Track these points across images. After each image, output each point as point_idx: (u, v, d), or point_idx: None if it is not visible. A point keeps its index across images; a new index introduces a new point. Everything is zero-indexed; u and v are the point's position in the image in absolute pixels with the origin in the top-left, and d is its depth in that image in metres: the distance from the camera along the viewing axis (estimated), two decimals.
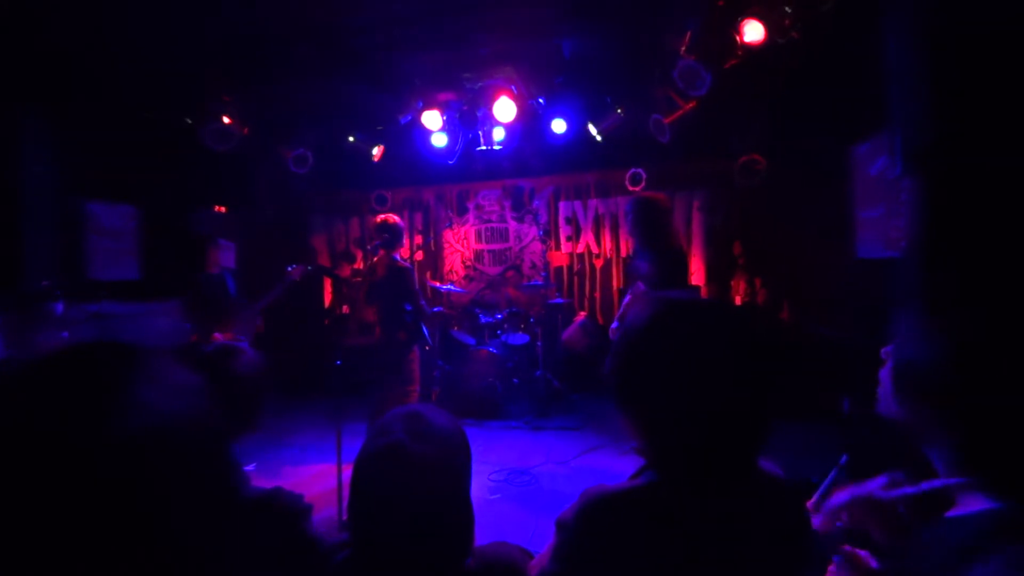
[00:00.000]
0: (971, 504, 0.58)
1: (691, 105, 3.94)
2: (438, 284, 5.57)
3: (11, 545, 0.36)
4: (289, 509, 1.01)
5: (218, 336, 3.47)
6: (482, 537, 0.96)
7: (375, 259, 3.59)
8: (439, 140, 4.93)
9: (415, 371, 3.62)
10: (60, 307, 2.18)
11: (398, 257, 3.53)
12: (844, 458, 2.51)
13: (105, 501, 0.38)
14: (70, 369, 0.43)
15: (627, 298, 3.36)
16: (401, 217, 6.20)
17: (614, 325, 3.30)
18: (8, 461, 0.37)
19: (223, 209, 5.48)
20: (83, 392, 0.41)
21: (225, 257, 4.32)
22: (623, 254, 5.68)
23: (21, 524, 0.36)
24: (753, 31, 3.27)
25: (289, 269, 3.77)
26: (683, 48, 3.54)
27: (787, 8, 3.24)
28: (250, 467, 3.33)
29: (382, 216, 3.62)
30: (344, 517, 2.61)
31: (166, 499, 0.41)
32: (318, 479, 3.41)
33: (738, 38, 3.31)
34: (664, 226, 3.13)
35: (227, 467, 0.47)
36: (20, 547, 0.36)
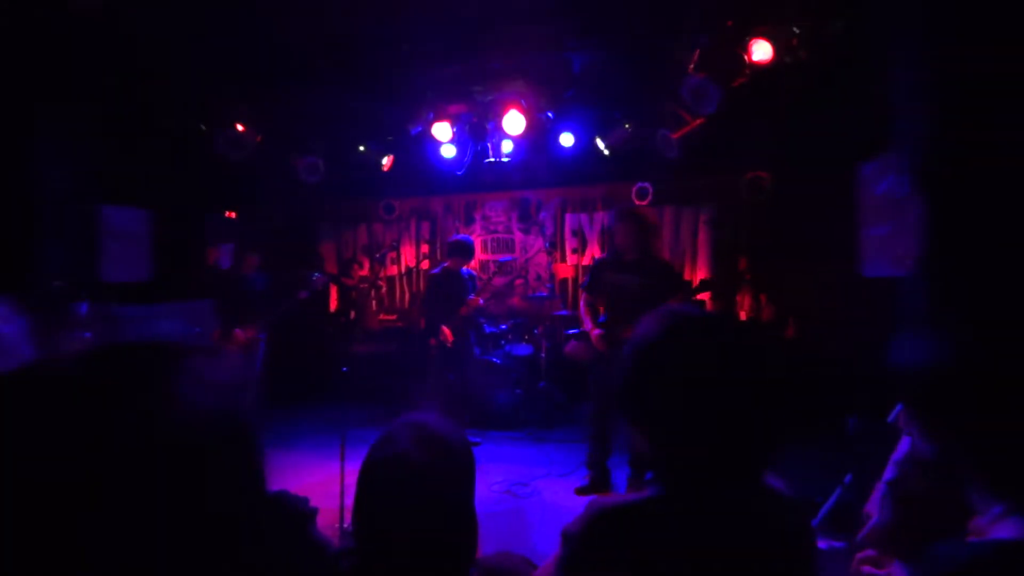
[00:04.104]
0: (1000, 531, 0.56)
1: (699, 121, 3.98)
2: None
3: (56, 539, 0.37)
4: (295, 513, 1.02)
5: (239, 333, 3.59)
6: (484, 548, 0.96)
7: (446, 265, 4.22)
8: (448, 151, 4.98)
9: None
10: (85, 308, 2.22)
11: (464, 269, 4.23)
12: (849, 477, 2.48)
13: (151, 497, 0.39)
14: (116, 368, 0.44)
15: (582, 304, 3.37)
16: (408, 226, 6.30)
17: (597, 332, 3.27)
18: (58, 458, 0.38)
19: (233, 215, 5.55)
20: (130, 390, 0.42)
21: (224, 259, 4.41)
22: None
23: (66, 518, 0.38)
24: (761, 50, 3.31)
25: (314, 277, 3.92)
26: (692, 65, 3.58)
27: (795, 28, 3.28)
28: None
29: (458, 235, 4.44)
30: (347, 524, 2.60)
31: (204, 490, 0.42)
32: (321, 485, 3.41)
33: (746, 57, 3.35)
34: (655, 238, 3.26)
35: (257, 460, 0.49)
36: (64, 541, 0.38)
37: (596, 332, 3.21)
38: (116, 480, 0.39)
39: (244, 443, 0.46)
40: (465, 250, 4.20)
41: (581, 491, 3.32)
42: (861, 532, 0.92)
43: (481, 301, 4.17)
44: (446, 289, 4.12)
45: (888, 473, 0.89)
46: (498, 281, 6.06)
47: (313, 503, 1.11)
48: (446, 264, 4.26)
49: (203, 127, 4.53)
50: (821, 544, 2.34)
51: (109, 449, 0.39)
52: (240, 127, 4.49)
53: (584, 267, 5.79)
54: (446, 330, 4.09)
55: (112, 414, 0.41)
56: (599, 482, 3.32)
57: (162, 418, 0.42)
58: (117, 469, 0.39)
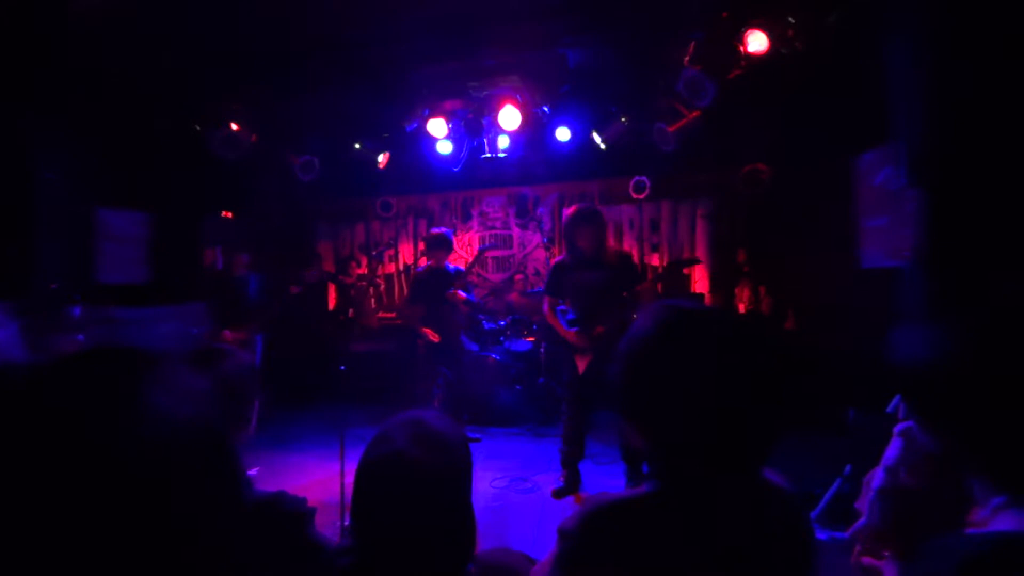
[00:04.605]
0: (1000, 523, 0.56)
1: (695, 114, 3.96)
2: None
3: (20, 545, 0.37)
4: (292, 513, 1.02)
5: (228, 335, 3.57)
6: (484, 544, 0.96)
7: (430, 264, 4.13)
8: (444, 148, 4.97)
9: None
10: (78, 311, 2.23)
11: (452, 265, 4.15)
12: (848, 469, 2.49)
13: (115, 505, 0.39)
14: (83, 374, 0.43)
15: (547, 309, 3.30)
16: (406, 224, 6.29)
17: (574, 331, 3.17)
18: (22, 463, 0.38)
19: (230, 215, 5.53)
20: (96, 396, 0.42)
21: (219, 260, 4.40)
22: None
23: (31, 526, 0.37)
24: (756, 42, 3.30)
25: (305, 271, 3.91)
26: (687, 58, 3.57)
27: (790, 19, 3.26)
28: (253, 471, 3.35)
29: (434, 229, 4.31)
30: (346, 522, 2.60)
31: (174, 503, 0.41)
32: (321, 484, 3.41)
33: (742, 48, 3.33)
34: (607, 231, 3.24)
35: (233, 472, 0.47)
36: (29, 547, 0.37)
37: (573, 331, 3.13)
38: (85, 489, 0.38)
39: (215, 452, 0.45)
40: (442, 243, 4.09)
41: (558, 493, 3.25)
42: (850, 529, 0.92)
43: (462, 293, 4.07)
44: (432, 287, 4.08)
45: (877, 479, 0.89)
46: (497, 277, 6.06)
47: (312, 502, 1.11)
48: (430, 263, 4.17)
49: (197, 127, 4.51)
50: (822, 535, 2.35)
51: (77, 454, 0.39)
52: (234, 126, 4.47)
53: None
54: (427, 331, 4.07)
55: (81, 419, 0.40)
56: (573, 483, 3.27)
57: (132, 426, 0.41)
58: (86, 478, 0.38)
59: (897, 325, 0.67)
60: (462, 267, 4.26)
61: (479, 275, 6.15)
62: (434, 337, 4.05)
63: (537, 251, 5.93)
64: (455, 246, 6.19)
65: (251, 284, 4.04)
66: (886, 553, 0.83)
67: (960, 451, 0.59)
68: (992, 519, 0.55)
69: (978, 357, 0.56)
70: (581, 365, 3.14)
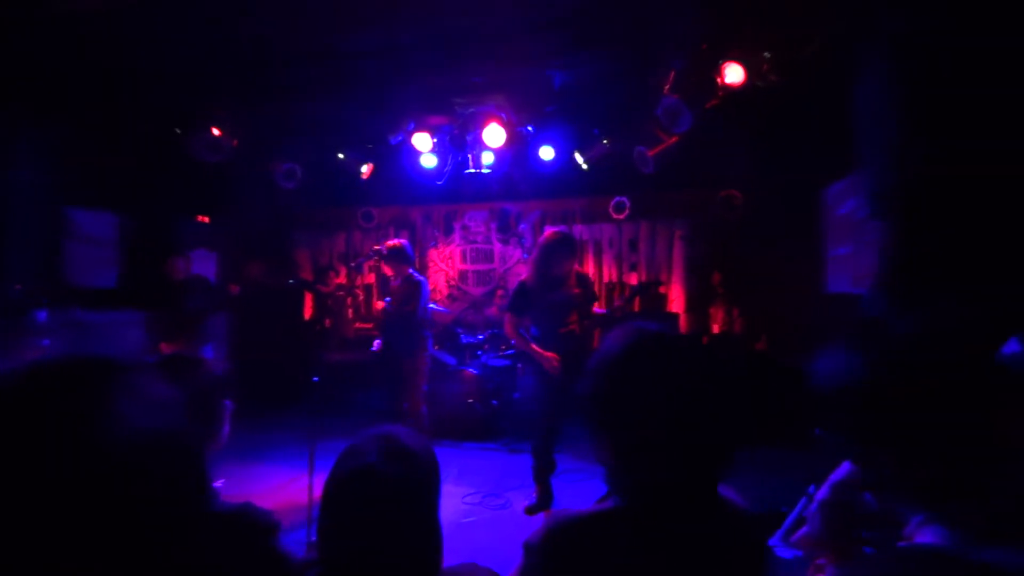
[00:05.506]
0: (922, 537, 0.59)
1: (673, 140, 4.09)
2: None
3: None
4: (258, 525, 1.01)
5: (164, 347, 3.36)
6: (453, 560, 0.97)
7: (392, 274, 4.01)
8: (428, 161, 5.00)
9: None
10: (43, 315, 2.15)
11: (414, 274, 4.03)
12: (812, 488, 2.55)
13: (80, 513, 0.39)
14: (51, 382, 0.43)
15: (510, 328, 3.26)
16: (387, 235, 6.27)
17: (549, 354, 3.15)
18: None
19: (206, 219, 5.44)
20: (63, 406, 0.42)
21: (204, 267, 4.29)
22: (606, 279, 5.77)
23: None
24: (734, 74, 3.44)
25: (245, 271, 3.80)
26: (667, 87, 3.69)
27: (766, 54, 3.41)
28: (219, 483, 3.26)
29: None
30: (313, 537, 2.55)
31: (139, 512, 0.41)
32: (289, 496, 3.34)
33: (719, 79, 3.47)
34: None
35: (199, 482, 0.48)
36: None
37: (549, 354, 3.09)
38: (50, 496, 0.38)
39: (181, 461, 0.46)
40: (390, 256, 3.97)
41: (531, 510, 3.24)
42: (794, 536, 0.97)
43: (380, 302, 4.00)
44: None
45: (822, 492, 0.93)
46: (477, 291, 6.07)
47: (280, 514, 1.10)
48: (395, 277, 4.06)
49: (178, 131, 4.45)
50: (786, 554, 2.39)
51: (43, 462, 0.39)
52: (216, 131, 4.43)
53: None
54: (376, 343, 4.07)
55: (47, 428, 0.40)
56: (545, 499, 3.26)
57: (99, 435, 0.41)
58: (50, 482, 0.39)
59: (819, 350, 0.71)
60: (426, 278, 4.17)
61: (460, 288, 6.15)
62: (374, 346, 4.09)
63: (518, 266, 5.97)
64: (436, 258, 6.22)
65: (191, 291, 3.86)
66: (823, 562, 0.89)
67: (878, 473, 0.63)
68: (915, 533, 0.59)
69: (894, 378, 0.60)
70: (549, 380, 3.16)
